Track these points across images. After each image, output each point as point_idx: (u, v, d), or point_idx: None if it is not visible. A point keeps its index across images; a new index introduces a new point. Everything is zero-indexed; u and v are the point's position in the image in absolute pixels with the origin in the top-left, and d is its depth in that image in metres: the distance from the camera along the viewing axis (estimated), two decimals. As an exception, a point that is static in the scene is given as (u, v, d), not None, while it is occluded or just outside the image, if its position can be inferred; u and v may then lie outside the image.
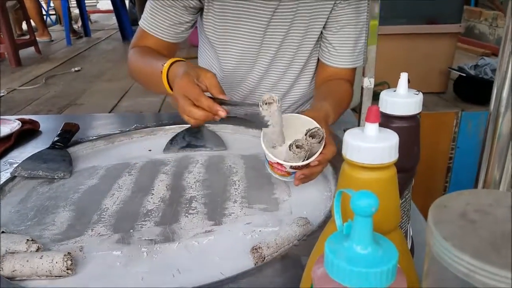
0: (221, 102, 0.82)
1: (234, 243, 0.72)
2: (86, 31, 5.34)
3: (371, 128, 0.37)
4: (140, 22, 1.13)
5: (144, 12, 1.12)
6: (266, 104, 0.76)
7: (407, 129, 0.48)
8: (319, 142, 0.77)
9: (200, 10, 1.12)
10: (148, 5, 1.11)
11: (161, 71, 0.91)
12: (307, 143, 0.77)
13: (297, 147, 0.77)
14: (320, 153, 0.78)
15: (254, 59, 1.15)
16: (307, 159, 0.78)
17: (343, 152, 0.38)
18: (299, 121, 0.82)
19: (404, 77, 0.48)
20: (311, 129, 0.78)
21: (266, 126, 0.78)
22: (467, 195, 0.33)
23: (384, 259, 0.30)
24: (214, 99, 0.82)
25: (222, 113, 0.80)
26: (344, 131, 1.12)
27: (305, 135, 0.78)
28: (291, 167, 0.79)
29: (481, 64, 2.12)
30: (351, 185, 0.38)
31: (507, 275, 0.25)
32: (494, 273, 0.26)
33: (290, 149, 0.77)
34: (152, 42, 1.11)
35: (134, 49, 1.12)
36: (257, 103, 0.77)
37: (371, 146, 0.36)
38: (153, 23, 1.10)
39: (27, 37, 4.34)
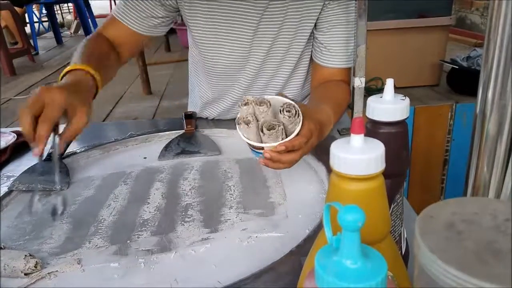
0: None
1: (231, 250, 0.72)
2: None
3: (357, 139, 0.37)
4: (113, 10, 1.13)
5: (118, 1, 1.13)
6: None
7: (395, 134, 0.48)
8: (292, 117, 0.74)
9: (178, 10, 1.12)
10: None
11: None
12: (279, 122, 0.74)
13: (269, 128, 0.74)
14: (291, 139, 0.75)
15: (244, 61, 1.15)
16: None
17: (331, 163, 0.38)
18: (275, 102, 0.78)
19: (390, 83, 0.48)
20: (284, 104, 0.75)
21: None
22: (453, 204, 0.33)
23: (374, 272, 0.30)
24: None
25: (36, 150, 0.78)
26: (339, 131, 1.13)
27: (280, 112, 0.75)
28: (254, 146, 0.78)
29: (473, 56, 2.12)
30: (339, 195, 0.38)
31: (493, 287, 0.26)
32: (481, 285, 0.26)
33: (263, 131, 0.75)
34: (121, 30, 1.12)
35: (93, 35, 1.13)
36: None
37: (357, 157, 0.36)
38: (125, 11, 1.10)
39: (20, 45, 4.33)
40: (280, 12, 1.07)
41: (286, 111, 0.74)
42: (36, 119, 0.79)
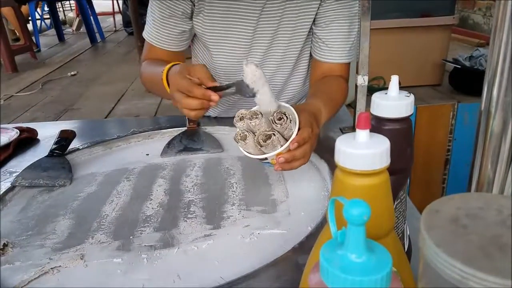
0: (215, 90, 0.84)
1: (233, 247, 0.72)
2: (92, 36, 5.27)
3: (362, 135, 0.37)
4: (144, 35, 1.16)
5: (146, 24, 1.16)
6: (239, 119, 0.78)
7: (399, 131, 0.48)
8: (284, 123, 0.75)
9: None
10: (149, 17, 1.14)
11: (161, 77, 0.95)
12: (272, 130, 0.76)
13: (265, 139, 0.76)
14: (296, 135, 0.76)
15: (245, 58, 1.15)
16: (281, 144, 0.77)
17: (336, 158, 0.38)
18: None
19: (395, 79, 0.48)
20: (274, 113, 0.76)
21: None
22: (458, 199, 0.33)
23: (379, 266, 0.31)
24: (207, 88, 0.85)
25: (214, 97, 0.83)
26: (341, 130, 1.13)
27: (272, 122, 0.76)
28: (265, 159, 0.79)
29: (476, 55, 2.12)
30: (344, 191, 0.38)
31: (498, 281, 0.26)
32: (486, 279, 0.26)
33: (260, 144, 0.76)
34: (160, 53, 1.15)
35: (144, 62, 1.17)
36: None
37: (362, 152, 0.36)
38: (158, 36, 1.13)
39: (22, 42, 4.33)
40: (278, 8, 1.08)
41: (278, 119, 0.76)
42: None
